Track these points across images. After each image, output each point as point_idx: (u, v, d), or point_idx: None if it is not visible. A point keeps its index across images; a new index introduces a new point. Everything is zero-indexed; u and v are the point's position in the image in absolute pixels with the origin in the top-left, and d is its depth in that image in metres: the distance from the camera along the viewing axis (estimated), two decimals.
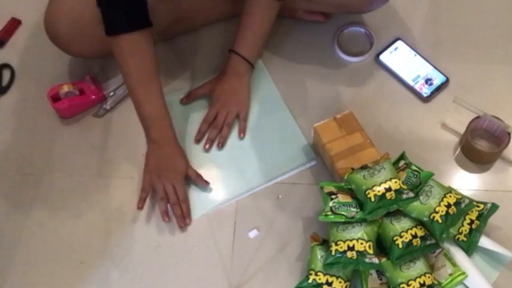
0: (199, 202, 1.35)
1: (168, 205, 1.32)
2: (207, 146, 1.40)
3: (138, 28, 1.24)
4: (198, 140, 1.41)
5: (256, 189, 1.36)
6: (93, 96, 1.44)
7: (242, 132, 1.41)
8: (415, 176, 1.21)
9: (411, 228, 1.16)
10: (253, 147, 1.41)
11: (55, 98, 1.43)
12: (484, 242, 1.22)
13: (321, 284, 1.17)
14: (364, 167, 1.23)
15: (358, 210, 1.19)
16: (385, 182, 1.17)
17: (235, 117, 1.42)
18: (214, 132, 1.41)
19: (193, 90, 1.46)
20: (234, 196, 1.35)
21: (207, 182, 1.35)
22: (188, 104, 1.46)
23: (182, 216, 1.31)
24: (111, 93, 1.45)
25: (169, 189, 1.32)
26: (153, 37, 1.29)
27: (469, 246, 1.21)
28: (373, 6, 1.43)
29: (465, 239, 1.21)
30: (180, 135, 1.37)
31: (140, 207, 1.32)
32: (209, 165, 1.39)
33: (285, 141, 1.40)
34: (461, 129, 1.36)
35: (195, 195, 1.36)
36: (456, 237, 1.21)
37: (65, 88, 1.42)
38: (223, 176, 1.38)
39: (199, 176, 1.35)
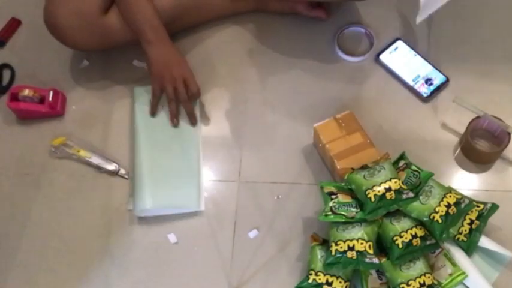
0: None
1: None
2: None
3: None
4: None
5: None
6: (48, 110, 1.44)
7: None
8: (415, 176, 1.21)
9: (411, 228, 1.16)
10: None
11: (13, 97, 1.43)
12: (484, 242, 1.22)
13: (321, 284, 1.17)
14: (364, 167, 1.23)
15: (358, 210, 1.19)
16: (385, 182, 1.17)
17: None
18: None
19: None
20: None
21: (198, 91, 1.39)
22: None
23: (193, 113, 1.40)
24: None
25: (180, 87, 1.37)
26: None
27: (469, 246, 1.21)
28: None
29: (465, 239, 1.21)
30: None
31: (152, 113, 1.41)
32: None
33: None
34: (461, 129, 1.36)
35: None
36: (456, 237, 1.21)
37: (25, 92, 1.42)
38: None
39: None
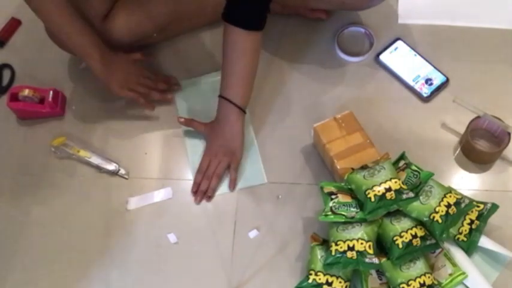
0: None
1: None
2: (198, 199, 1.36)
3: None
4: (194, 192, 1.36)
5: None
6: (48, 110, 1.44)
7: (232, 184, 1.36)
8: (415, 176, 1.21)
9: (411, 228, 1.16)
10: None
11: (13, 97, 1.43)
12: (484, 242, 1.22)
13: (321, 284, 1.17)
14: (364, 167, 1.23)
15: (358, 210, 1.19)
16: (385, 182, 1.17)
17: (225, 167, 1.36)
18: (206, 184, 1.36)
19: (196, 121, 1.41)
20: None
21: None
22: (185, 126, 1.43)
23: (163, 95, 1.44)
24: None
25: (137, 88, 1.40)
26: None
27: (469, 246, 1.21)
28: (371, 3, 1.43)
29: (465, 239, 1.21)
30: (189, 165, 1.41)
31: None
32: None
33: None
34: (461, 129, 1.36)
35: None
36: (456, 237, 1.21)
37: (25, 92, 1.43)
38: None
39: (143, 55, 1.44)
